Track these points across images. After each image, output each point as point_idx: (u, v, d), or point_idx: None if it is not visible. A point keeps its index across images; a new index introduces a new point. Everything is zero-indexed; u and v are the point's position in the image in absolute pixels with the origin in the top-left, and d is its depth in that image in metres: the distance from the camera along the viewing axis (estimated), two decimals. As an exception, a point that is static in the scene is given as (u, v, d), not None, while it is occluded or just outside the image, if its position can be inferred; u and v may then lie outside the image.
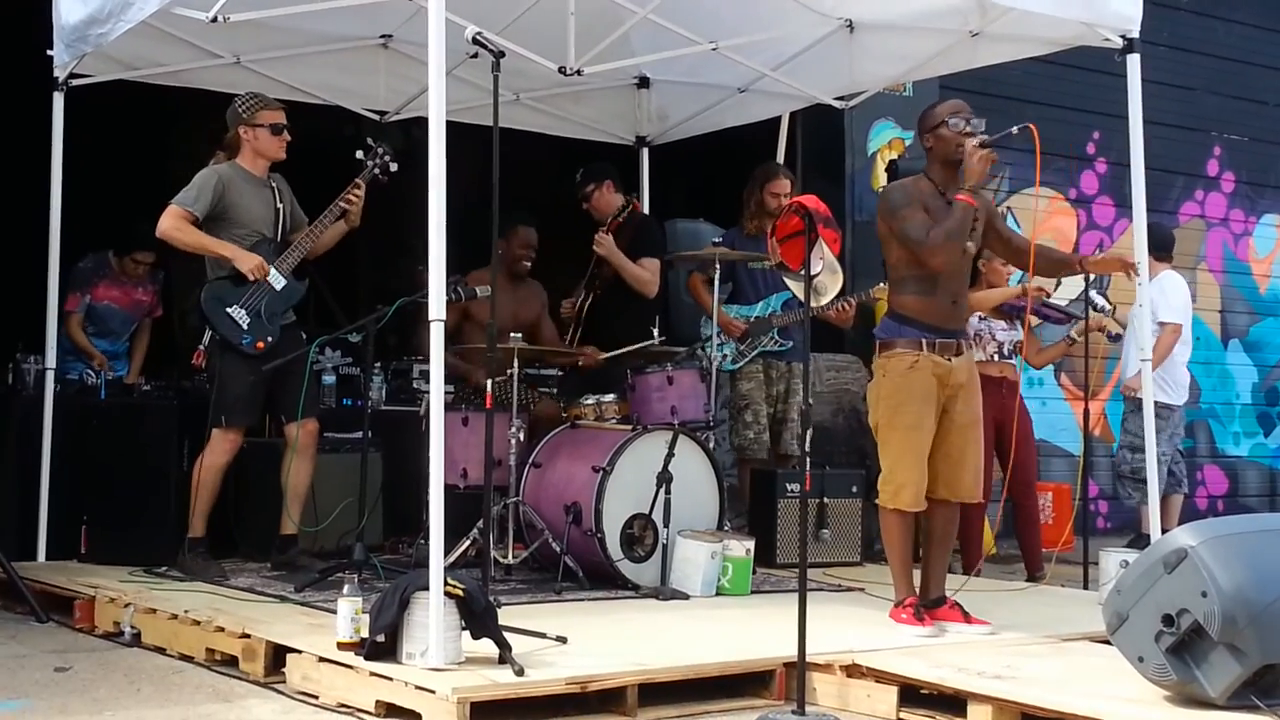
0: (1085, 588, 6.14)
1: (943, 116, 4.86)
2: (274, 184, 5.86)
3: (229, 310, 5.65)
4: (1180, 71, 9.88)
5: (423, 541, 5.18)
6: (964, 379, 4.88)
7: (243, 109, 5.79)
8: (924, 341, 4.81)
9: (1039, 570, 6.64)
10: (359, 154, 5.84)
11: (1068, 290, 8.90)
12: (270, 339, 5.67)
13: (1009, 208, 9.40)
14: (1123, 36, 5.58)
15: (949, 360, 4.83)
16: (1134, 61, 5.57)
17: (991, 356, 6.65)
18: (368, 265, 7.91)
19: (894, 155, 8.36)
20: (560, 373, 6.89)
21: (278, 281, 5.70)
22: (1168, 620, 3.70)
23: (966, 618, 4.87)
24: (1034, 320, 6.90)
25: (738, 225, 6.88)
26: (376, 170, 5.81)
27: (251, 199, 5.75)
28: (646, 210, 7.47)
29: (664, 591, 5.50)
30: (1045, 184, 9.63)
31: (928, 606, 4.87)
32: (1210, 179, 10.46)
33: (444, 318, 4.06)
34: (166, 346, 7.69)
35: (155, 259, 7.19)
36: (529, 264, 6.80)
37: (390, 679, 3.93)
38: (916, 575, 4.97)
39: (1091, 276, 6.86)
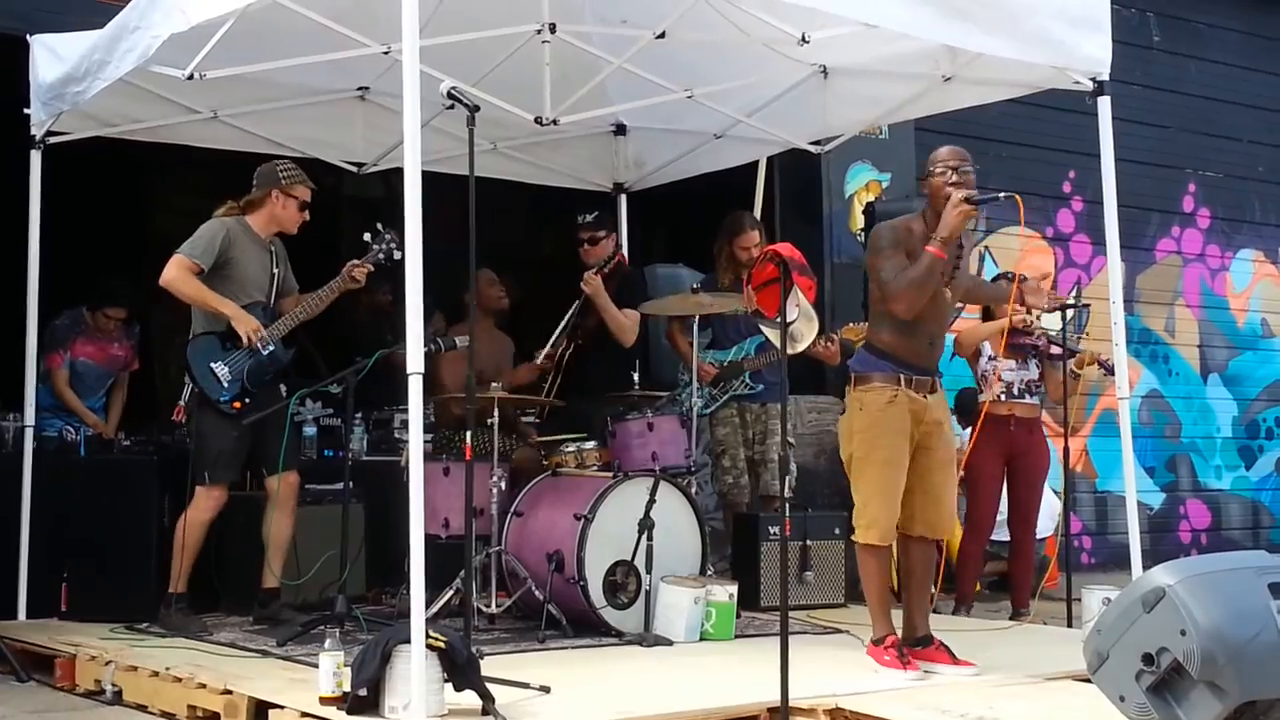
0: (1069, 625, 6.15)
1: (933, 163, 4.89)
2: (273, 249, 5.89)
3: (213, 366, 5.66)
4: (1154, 110, 9.99)
5: (405, 592, 5.15)
6: (939, 416, 4.91)
7: (283, 175, 5.82)
8: (901, 377, 4.83)
9: (1024, 607, 6.65)
10: (366, 236, 5.87)
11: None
12: (248, 400, 5.68)
13: (986, 247, 9.47)
14: (1093, 79, 5.63)
15: (924, 397, 4.85)
16: (1105, 104, 5.62)
17: (999, 396, 6.68)
18: (348, 312, 7.93)
19: (871, 198, 8.42)
20: (538, 420, 6.89)
21: (266, 347, 5.71)
22: (1148, 659, 3.69)
23: (953, 659, 4.87)
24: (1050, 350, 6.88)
25: (712, 275, 6.94)
26: (381, 256, 5.82)
27: (252, 259, 5.79)
28: (626, 257, 7.50)
29: (648, 638, 5.49)
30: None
31: (914, 646, 4.87)
32: (1186, 215, 10.53)
33: (421, 370, 4.07)
34: (147, 401, 7.67)
35: (126, 314, 7.19)
36: (505, 299, 6.86)
37: (372, 733, 3.92)
38: (897, 615, 4.97)
39: (1069, 314, 6.92)
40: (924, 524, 4.91)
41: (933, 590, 7.03)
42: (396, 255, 5.78)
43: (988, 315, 6.90)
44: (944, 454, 4.92)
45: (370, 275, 5.93)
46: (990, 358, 6.69)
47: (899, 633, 4.91)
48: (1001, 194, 4.81)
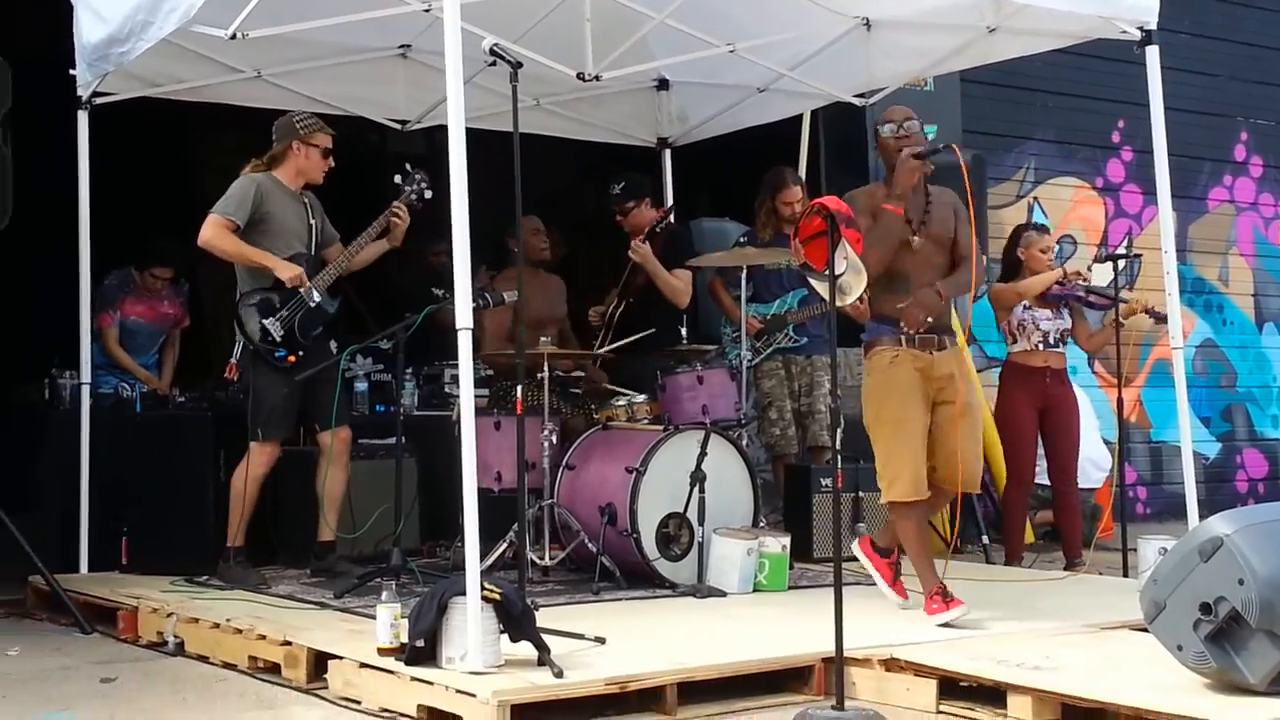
0: (1125, 575, 6.13)
1: (881, 123, 5.12)
2: (306, 200, 5.91)
3: (264, 322, 5.69)
4: (1204, 58, 9.84)
5: (460, 545, 5.20)
6: (949, 370, 4.98)
7: (301, 126, 5.84)
8: (902, 338, 4.95)
9: (1077, 558, 6.63)
10: (396, 178, 5.89)
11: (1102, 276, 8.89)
12: (302, 353, 5.72)
13: (1035, 198, 9.38)
14: (1141, 28, 5.55)
15: (930, 354, 4.95)
16: (1153, 53, 5.55)
17: (1036, 346, 6.66)
18: (397, 270, 7.98)
19: (917, 149, 8.33)
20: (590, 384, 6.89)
21: (313, 298, 5.74)
22: (1205, 608, 3.69)
23: (895, 583, 5.17)
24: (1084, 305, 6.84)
25: (752, 229, 6.92)
26: (414, 196, 5.84)
27: (288, 211, 5.81)
28: (673, 215, 7.47)
29: (701, 589, 5.51)
30: (1072, 173, 9.61)
31: (881, 551, 5.14)
32: (1238, 164, 10.40)
33: (470, 325, 4.09)
34: (200, 357, 7.74)
35: (174, 273, 7.24)
36: (547, 250, 6.84)
37: (431, 683, 3.95)
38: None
39: (1120, 264, 6.86)
40: (942, 478, 4.97)
41: (985, 540, 7.09)
42: (428, 194, 5.81)
43: (1014, 270, 6.80)
44: (957, 408, 4.94)
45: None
46: (1026, 307, 6.66)
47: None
48: (941, 145, 5.04)
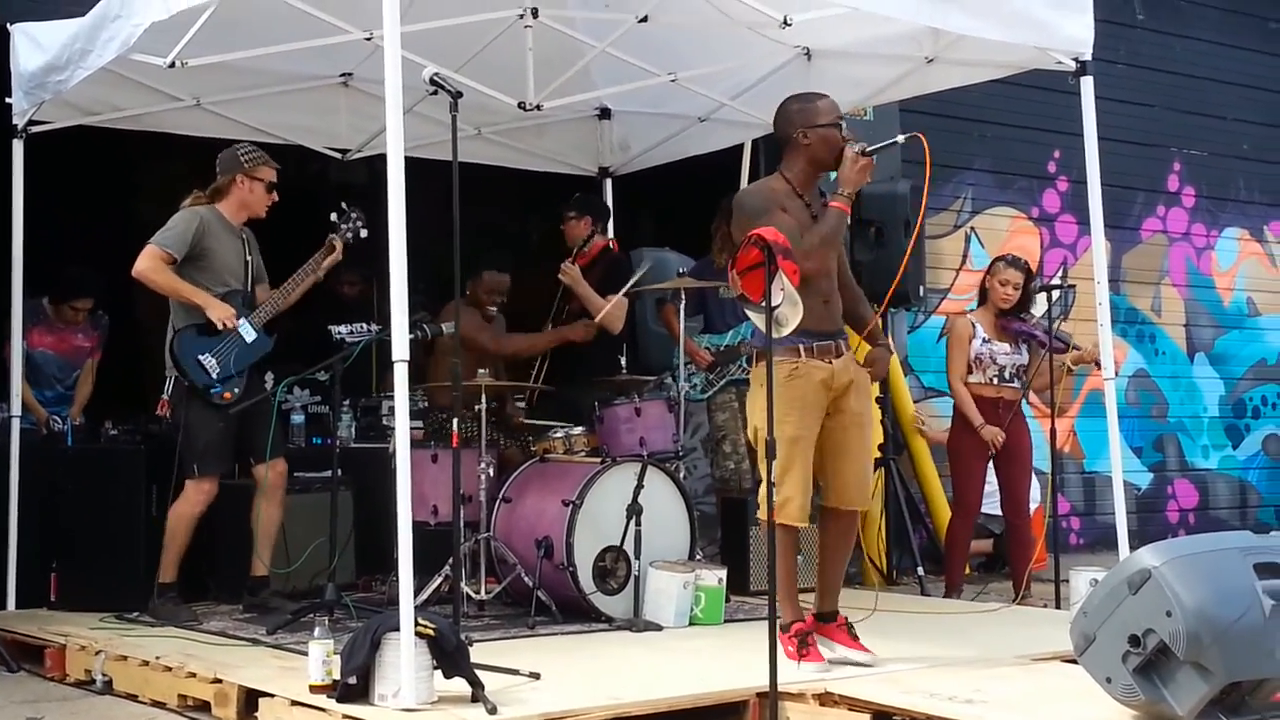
0: (1058, 606, 6.17)
1: (830, 117, 4.75)
2: (244, 236, 5.88)
3: (200, 358, 5.65)
4: (1138, 89, 9.98)
5: (394, 579, 5.16)
6: (849, 379, 4.71)
7: (245, 159, 5.80)
8: (801, 347, 4.62)
9: (1025, 589, 6.59)
10: (333, 216, 5.88)
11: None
12: (237, 390, 5.68)
13: (972, 228, 9.48)
14: (1075, 59, 5.64)
15: (830, 363, 4.67)
16: (1088, 83, 5.64)
17: (991, 379, 6.69)
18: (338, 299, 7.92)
19: (856, 179, 8.38)
20: (527, 405, 6.88)
21: (248, 334, 5.70)
22: (1134, 640, 3.72)
23: (853, 641, 4.75)
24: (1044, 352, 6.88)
25: (707, 256, 6.90)
26: (349, 234, 5.84)
27: (226, 247, 5.78)
28: (615, 242, 7.48)
29: (637, 623, 5.51)
30: (1008, 203, 9.71)
31: (820, 619, 4.77)
32: (1171, 194, 10.53)
33: (407, 358, 4.07)
34: (134, 390, 7.64)
35: (93, 304, 7.05)
36: (495, 309, 6.80)
37: (362, 721, 3.92)
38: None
39: (1054, 295, 6.93)
40: (832, 494, 4.75)
41: (920, 571, 7.11)
42: (364, 233, 5.81)
43: (983, 296, 6.90)
44: (852, 417, 4.72)
45: (339, 263, 5.93)
46: (985, 340, 6.71)
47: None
48: (901, 137, 4.79)
